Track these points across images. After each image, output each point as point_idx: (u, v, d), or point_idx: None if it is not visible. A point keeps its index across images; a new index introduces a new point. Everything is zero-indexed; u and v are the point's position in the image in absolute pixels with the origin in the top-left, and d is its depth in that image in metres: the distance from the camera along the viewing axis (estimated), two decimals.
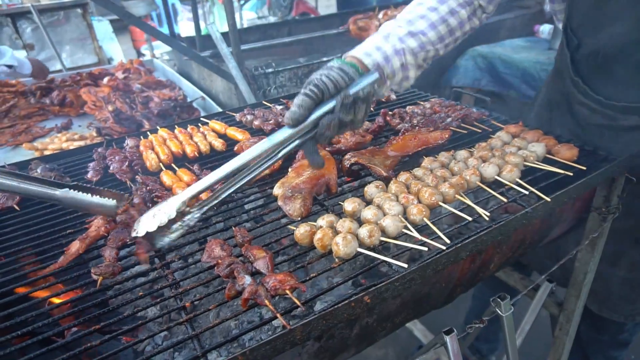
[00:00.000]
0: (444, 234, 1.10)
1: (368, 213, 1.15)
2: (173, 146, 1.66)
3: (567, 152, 1.43)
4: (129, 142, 1.74)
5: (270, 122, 1.83)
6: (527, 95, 3.34)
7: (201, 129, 1.86)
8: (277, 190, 1.31)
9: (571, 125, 1.69)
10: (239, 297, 0.95)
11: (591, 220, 1.64)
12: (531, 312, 1.94)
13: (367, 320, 1.15)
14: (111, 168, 1.54)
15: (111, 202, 1.15)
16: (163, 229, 1.04)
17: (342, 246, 1.02)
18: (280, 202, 1.25)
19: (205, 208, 1.09)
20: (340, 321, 0.94)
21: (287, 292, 0.93)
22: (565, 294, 1.86)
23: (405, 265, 1.01)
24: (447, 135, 1.57)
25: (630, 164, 1.44)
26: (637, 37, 1.36)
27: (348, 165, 1.42)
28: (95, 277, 1.03)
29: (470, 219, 1.15)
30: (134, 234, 1.05)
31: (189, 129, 1.86)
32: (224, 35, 2.98)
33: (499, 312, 1.42)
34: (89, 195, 1.13)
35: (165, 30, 4.96)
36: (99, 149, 1.70)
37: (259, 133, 1.83)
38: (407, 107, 1.96)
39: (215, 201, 1.09)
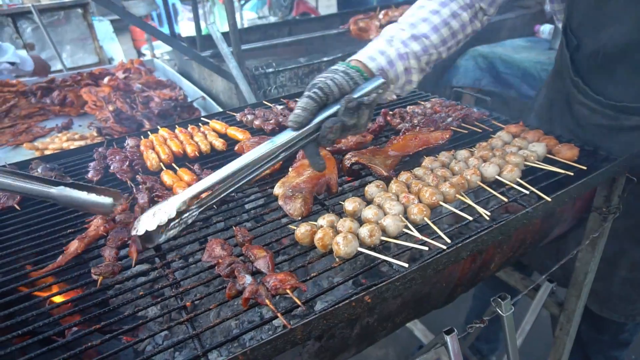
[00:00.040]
0: (444, 233, 1.10)
1: (369, 213, 1.15)
2: (174, 146, 1.66)
3: (567, 152, 1.43)
4: (130, 142, 1.74)
5: (271, 121, 1.83)
6: (527, 95, 3.33)
7: (202, 129, 1.86)
8: (277, 189, 1.31)
9: (571, 125, 1.69)
10: (239, 296, 0.95)
11: (592, 220, 1.63)
12: (532, 312, 1.94)
13: (368, 320, 1.15)
14: (112, 168, 1.54)
15: (107, 200, 1.14)
16: (161, 228, 1.04)
17: (342, 246, 1.02)
18: (280, 202, 1.25)
19: (204, 207, 1.09)
20: (340, 321, 0.94)
21: (288, 291, 0.93)
22: (566, 294, 1.86)
23: (406, 265, 1.01)
24: (447, 135, 1.57)
25: (630, 163, 1.43)
26: (637, 38, 1.36)
27: (349, 165, 1.42)
28: (95, 277, 1.03)
29: (470, 218, 1.15)
30: (133, 232, 1.05)
31: (189, 129, 1.86)
32: (225, 35, 2.98)
33: (500, 312, 1.42)
34: (85, 193, 1.12)
35: (165, 30, 4.97)
36: (100, 149, 1.70)
37: (259, 133, 1.83)
38: (408, 107, 1.96)
39: (214, 200, 1.09)
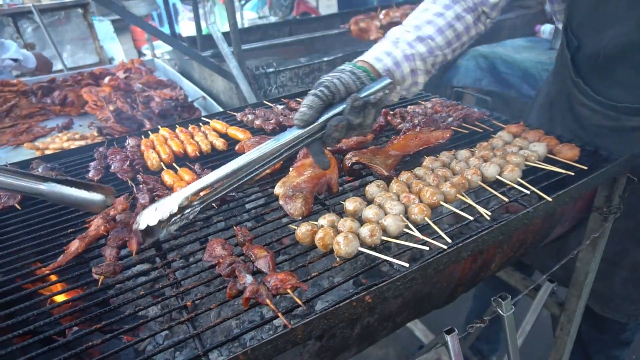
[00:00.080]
0: (445, 233, 1.10)
1: (369, 212, 1.15)
2: (174, 145, 1.66)
3: (568, 151, 1.42)
4: (130, 142, 1.74)
5: (271, 121, 1.83)
6: (528, 95, 3.33)
7: (202, 129, 1.86)
8: (278, 189, 1.31)
9: (572, 125, 1.69)
10: (240, 296, 0.95)
11: (592, 220, 1.63)
12: (532, 312, 1.94)
13: (369, 319, 1.15)
14: (112, 167, 1.55)
15: (98, 196, 1.12)
16: (163, 222, 1.04)
17: (343, 245, 1.02)
18: (281, 202, 1.25)
19: (206, 202, 1.09)
20: (341, 321, 0.94)
21: (289, 291, 0.93)
22: (567, 294, 1.86)
23: (407, 265, 1.00)
24: (448, 135, 1.57)
25: (631, 163, 1.43)
26: (638, 39, 1.36)
27: (349, 165, 1.42)
28: (96, 276, 1.03)
29: (471, 218, 1.15)
30: (135, 226, 1.05)
31: (190, 129, 1.86)
32: (225, 35, 2.98)
33: (500, 312, 1.42)
34: (75, 189, 1.10)
35: (166, 30, 4.97)
36: (100, 149, 1.70)
37: (260, 132, 1.83)
38: (409, 107, 1.96)
39: (217, 196, 1.09)
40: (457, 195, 1.24)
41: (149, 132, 1.83)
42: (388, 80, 1.17)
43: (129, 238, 1.11)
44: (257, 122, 1.86)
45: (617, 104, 1.48)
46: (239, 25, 4.82)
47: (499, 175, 1.32)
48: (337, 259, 1.06)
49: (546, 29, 3.95)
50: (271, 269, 1.00)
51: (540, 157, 1.42)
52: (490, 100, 1.94)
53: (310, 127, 1.09)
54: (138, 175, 1.49)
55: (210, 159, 1.64)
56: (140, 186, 1.39)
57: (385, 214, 1.15)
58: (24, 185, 1.05)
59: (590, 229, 1.64)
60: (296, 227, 1.13)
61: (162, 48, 6.15)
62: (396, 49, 1.34)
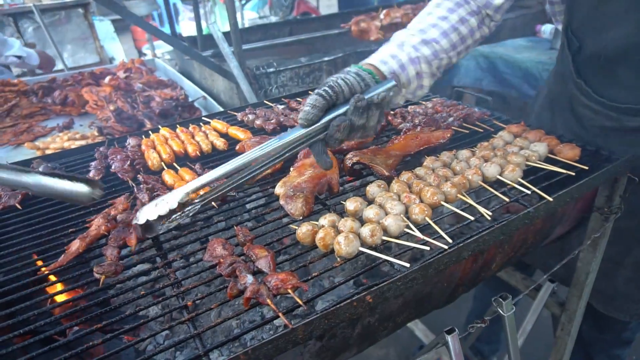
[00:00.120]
0: (446, 233, 1.09)
1: (370, 212, 1.15)
2: (175, 145, 1.66)
3: (569, 151, 1.42)
4: (131, 141, 1.74)
5: (272, 121, 1.83)
6: (528, 95, 3.33)
7: (203, 128, 1.86)
8: (278, 189, 1.31)
9: (573, 126, 1.69)
10: (240, 296, 0.95)
11: (593, 220, 1.63)
12: (533, 312, 1.94)
13: (369, 319, 1.15)
14: (113, 167, 1.55)
15: (84, 188, 1.10)
16: (162, 218, 1.04)
17: (344, 245, 1.02)
18: (282, 202, 1.24)
19: (207, 200, 1.09)
20: (342, 320, 0.94)
21: (289, 291, 0.93)
22: (567, 294, 1.86)
23: (408, 265, 1.00)
24: (448, 135, 1.57)
25: (632, 164, 1.43)
26: (639, 40, 1.36)
27: (350, 165, 1.42)
28: (97, 276, 1.03)
29: (472, 218, 1.15)
30: (134, 222, 1.06)
31: (190, 128, 1.86)
32: (226, 34, 2.98)
33: (501, 312, 1.42)
34: (59, 180, 1.08)
35: (166, 29, 4.97)
36: (101, 148, 1.70)
37: (260, 132, 1.83)
38: (409, 107, 1.96)
39: (216, 195, 1.09)
40: (458, 195, 1.24)
41: (150, 132, 1.83)
42: (393, 82, 1.16)
43: (128, 234, 1.11)
44: (258, 122, 1.86)
45: (619, 104, 1.47)
46: (240, 25, 4.82)
47: (500, 175, 1.32)
48: (338, 259, 1.06)
49: (547, 29, 3.95)
50: (272, 269, 1.00)
51: (541, 157, 1.42)
52: (491, 100, 1.94)
53: (314, 126, 1.09)
54: (139, 175, 1.49)
55: (211, 159, 1.64)
56: (141, 186, 1.39)
57: (386, 214, 1.15)
58: (6, 177, 1.02)
59: (591, 229, 1.64)
60: (297, 227, 1.13)
61: (163, 48, 6.16)
62: (401, 52, 1.34)
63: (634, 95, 1.45)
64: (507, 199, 1.25)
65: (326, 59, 3.07)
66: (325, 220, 1.14)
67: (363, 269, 1.05)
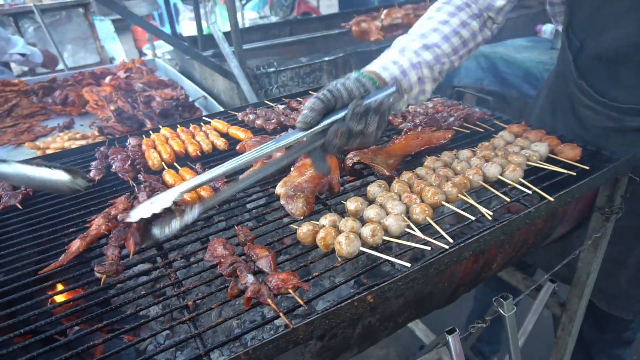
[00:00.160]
0: (446, 233, 1.09)
1: (371, 212, 1.15)
2: (175, 145, 1.66)
3: (570, 151, 1.42)
4: (131, 141, 1.74)
5: (273, 121, 1.83)
6: (529, 95, 3.32)
7: (203, 128, 1.86)
8: (279, 189, 1.31)
9: (574, 126, 1.69)
10: (241, 296, 0.95)
11: (594, 220, 1.63)
12: (533, 312, 1.94)
13: (370, 319, 1.15)
14: (113, 167, 1.55)
15: (65, 176, 1.08)
16: (162, 224, 1.04)
17: (344, 245, 1.02)
18: (282, 201, 1.24)
19: (206, 208, 1.08)
20: (343, 320, 0.94)
21: (290, 291, 0.93)
22: (568, 294, 1.86)
23: (408, 265, 1.00)
24: (449, 135, 1.57)
25: (633, 164, 1.43)
26: None
27: (350, 165, 1.41)
28: (98, 275, 1.03)
29: (473, 218, 1.15)
30: (127, 220, 1.05)
31: (191, 128, 1.86)
32: (226, 34, 2.98)
33: (502, 312, 1.42)
34: (38, 169, 1.07)
35: (167, 29, 4.97)
36: (101, 148, 1.70)
37: (261, 132, 1.82)
38: (410, 107, 1.95)
39: (215, 202, 1.09)
40: (459, 195, 1.24)
41: (150, 132, 1.83)
42: (392, 89, 1.15)
43: (127, 238, 1.11)
44: (258, 121, 1.86)
45: (620, 105, 1.47)
46: (240, 25, 4.82)
47: (501, 175, 1.32)
48: (339, 259, 1.05)
49: (547, 28, 3.94)
50: (272, 268, 1.00)
51: (541, 157, 1.42)
52: (492, 100, 1.94)
53: (312, 129, 1.09)
54: (139, 175, 1.49)
55: (212, 159, 1.64)
56: (142, 186, 1.39)
57: (387, 214, 1.15)
58: None
59: (592, 229, 1.64)
60: (297, 227, 1.13)
61: (163, 48, 6.15)
62: (402, 57, 1.33)
63: (635, 95, 1.44)
64: (508, 199, 1.25)
65: (327, 58, 3.07)
66: (326, 220, 1.14)
67: (364, 268, 1.05)
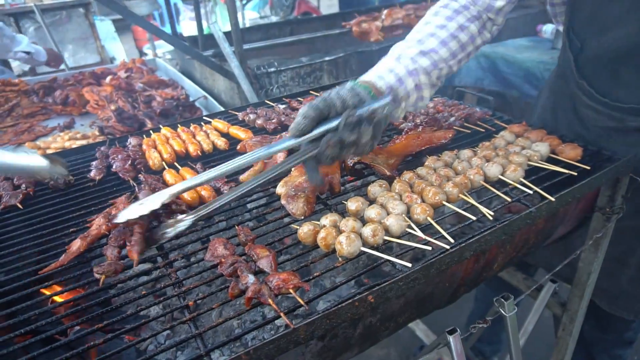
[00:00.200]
0: (447, 233, 1.09)
1: (371, 212, 1.15)
2: (176, 145, 1.66)
3: (571, 151, 1.42)
4: (132, 141, 1.74)
5: (273, 121, 1.83)
6: (530, 95, 3.32)
7: (204, 128, 1.86)
8: (280, 189, 1.30)
9: (576, 126, 1.69)
10: (241, 296, 0.94)
11: (595, 220, 1.63)
12: (534, 313, 1.94)
13: (371, 319, 1.15)
14: (114, 167, 1.54)
15: (42, 161, 1.07)
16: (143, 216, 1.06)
17: (345, 245, 1.02)
18: (283, 201, 1.24)
19: (198, 217, 1.10)
20: (343, 320, 0.94)
21: (291, 291, 0.93)
22: (569, 294, 1.86)
23: (409, 265, 1.00)
24: (450, 135, 1.57)
25: (634, 164, 1.43)
26: None
27: (351, 165, 1.41)
28: (97, 276, 1.03)
29: (474, 218, 1.15)
30: (115, 221, 1.06)
31: (191, 128, 1.86)
32: (227, 34, 2.98)
33: (503, 312, 1.41)
34: (14, 155, 1.06)
35: (167, 29, 4.97)
36: (102, 148, 1.70)
37: (261, 132, 1.82)
38: None
39: (209, 210, 1.10)
40: (460, 195, 1.23)
41: (151, 132, 1.83)
42: (387, 99, 1.14)
43: (129, 247, 1.10)
44: (259, 121, 1.86)
45: (622, 104, 1.47)
46: (241, 25, 4.81)
47: (502, 175, 1.32)
48: (339, 259, 1.05)
49: (548, 28, 3.94)
50: (273, 268, 1.00)
51: (542, 157, 1.42)
52: (492, 100, 1.93)
53: (304, 137, 1.08)
54: (140, 175, 1.49)
55: (212, 159, 1.64)
56: (142, 185, 1.39)
57: (388, 214, 1.15)
58: None
59: (592, 229, 1.63)
60: (298, 227, 1.13)
61: (164, 48, 6.16)
62: (399, 65, 1.31)
63: (637, 95, 1.44)
64: (509, 199, 1.25)
65: (327, 58, 3.07)
66: (327, 220, 1.13)
67: (364, 269, 1.05)
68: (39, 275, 1.08)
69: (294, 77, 2.98)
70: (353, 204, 1.19)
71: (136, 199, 1.33)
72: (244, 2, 8.90)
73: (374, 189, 1.27)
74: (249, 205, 1.44)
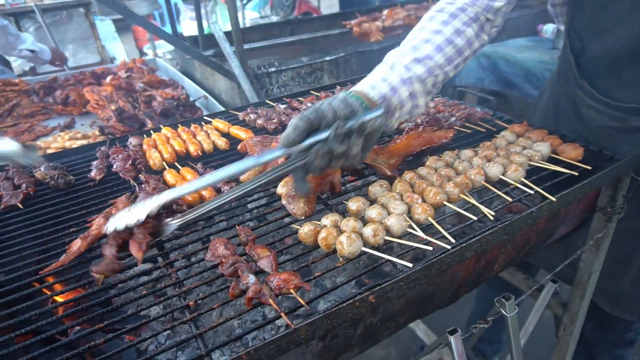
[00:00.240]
0: (448, 233, 1.09)
1: (372, 212, 1.14)
2: (176, 145, 1.66)
3: (572, 151, 1.42)
4: (133, 141, 1.73)
5: (274, 121, 1.83)
6: (530, 94, 3.32)
7: (204, 128, 1.86)
8: (280, 189, 1.30)
9: (577, 126, 1.68)
10: (242, 296, 0.94)
11: (596, 220, 1.63)
12: (535, 313, 1.94)
13: (372, 319, 1.15)
14: (114, 167, 1.54)
15: (13, 145, 1.08)
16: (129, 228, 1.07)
17: (346, 245, 1.02)
18: (284, 201, 1.24)
19: (184, 222, 1.11)
20: (344, 321, 0.94)
21: (292, 291, 0.93)
22: (570, 295, 1.85)
23: (410, 265, 1.00)
24: (451, 135, 1.57)
25: (636, 164, 1.43)
26: None
27: None
28: (95, 275, 1.03)
29: (475, 218, 1.15)
30: (104, 231, 1.07)
31: (192, 128, 1.86)
32: (227, 34, 2.98)
33: (504, 312, 1.41)
34: None
35: (168, 29, 4.97)
36: (102, 148, 1.70)
37: (262, 132, 1.82)
38: None
39: (196, 215, 1.11)
40: (461, 195, 1.23)
41: (151, 132, 1.83)
42: (379, 111, 1.12)
43: (130, 245, 1.10)
44: (259, 121, 1.86)
45: (624, 104, 1.46)
46: (241, 25, 4.82)
47: (503, 175, 1.32)
48: (340, 259, 1.05)
49: (548, 28, 3.93)
50: (274, 268, 0.99)
51: (543, 157, 1.42)
52: (493, 100, 1.93)
53: (294, 148, 1.08)
54: (140, 175, 1.49)
55: (213, 159, 1.64)
56: (143, 185, 1.39)
57: (389, 214, 1.14)
58: None
59: (594, 229, 1.63)
60: (299, 227, 1.13)
61: (164, 47, 6.14)
62: (392, 73, 1.28)
63: (639, 95, 1.44)
64: (510, 199, 1.24)
65: (327, 58, 3.06)
66: (328, 220, 1.13)
67: (365, 269, 1.05)
68: (40, 275, 1.08)
69: (294, 77, 2.97)
70: (354, 204, 1.19)
71: (136, 198, 1.33)
72: (245, 2, 8.90)
73: (375, 189, 1.27)
74: (249, 205, 1.44)
